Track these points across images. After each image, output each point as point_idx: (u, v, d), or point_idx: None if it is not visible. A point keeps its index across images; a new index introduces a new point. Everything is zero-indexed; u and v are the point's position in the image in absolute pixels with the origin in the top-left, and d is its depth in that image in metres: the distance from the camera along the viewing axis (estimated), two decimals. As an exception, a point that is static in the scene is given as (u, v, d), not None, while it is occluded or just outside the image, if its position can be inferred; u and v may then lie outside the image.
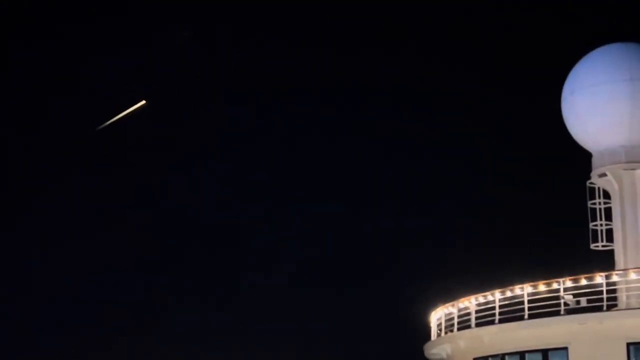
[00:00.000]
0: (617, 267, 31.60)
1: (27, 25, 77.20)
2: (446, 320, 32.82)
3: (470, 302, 30.86)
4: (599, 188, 33.39)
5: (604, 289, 27.41)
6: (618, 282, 28.29)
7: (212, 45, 77.88)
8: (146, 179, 74.64)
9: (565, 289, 28.06)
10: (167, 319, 71.93)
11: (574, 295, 28.17)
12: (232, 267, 75.96)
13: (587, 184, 33.56)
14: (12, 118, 76.47)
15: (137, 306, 71.98)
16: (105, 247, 73.24)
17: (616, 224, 32.49)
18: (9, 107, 76.04)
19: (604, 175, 32.82)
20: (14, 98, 76.18)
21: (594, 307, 27.51)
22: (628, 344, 26.20)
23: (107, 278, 73.32)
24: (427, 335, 34.88)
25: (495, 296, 29.73)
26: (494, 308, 29.69)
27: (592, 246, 32.97)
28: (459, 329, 31.53)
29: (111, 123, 63.63)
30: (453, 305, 32.13)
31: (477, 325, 30.39)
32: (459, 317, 31.65)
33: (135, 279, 73.59)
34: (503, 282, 30.04)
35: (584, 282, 27.98)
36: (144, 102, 63.36)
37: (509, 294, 29.28)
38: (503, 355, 29.55)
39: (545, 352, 28.12)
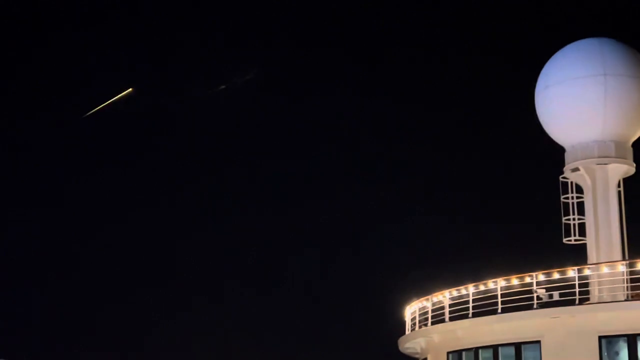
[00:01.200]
0: (589, 261, 31.75)
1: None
2: (420, 315, 32.88)
3: (444, 296, 30.89)
4: (571, 183, 33.52)
5: (576, 282, 27.47)
6: (590, 276, 28.37)
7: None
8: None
9: (538, 283, 28.15)
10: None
11: (547, 289, 28.27)
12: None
13: (560, 178, 33.66)
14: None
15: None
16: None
17: (588, 219, 32.58)
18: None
19: (576, 169, 32.93)
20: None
21: (567, 301, 27.57)
22: (600, 337, 26.26)
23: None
24: (401, 330, 35.03)
25: (469, 290, 29.79)
26: (467, 302, 29.74)
27: (565, 240, 33.10)
28: (433, 323, 31.58)
29: (98, 110, 63.25)
30: (427, 300, 32.18)
31: (451, 319, 30.42)
32: (433, 311, 31.70)
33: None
34: (476, 276, 30.16)
35: (556, 276, 28.05)
36: (130, 89, 63.15)
37: (482, 288, 29.33)
38: (477, 349, 29.62)
39: (518, 346, 28.18)
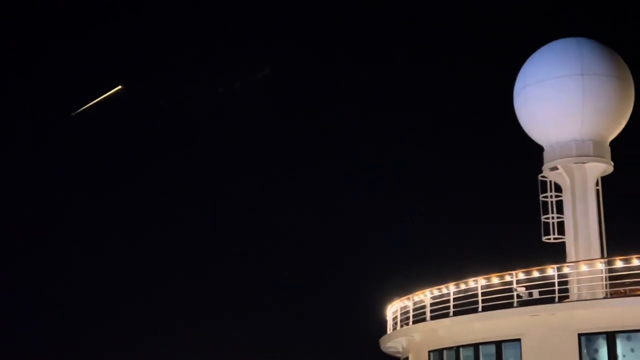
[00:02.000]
0: (568, 259, 31.92)
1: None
2: (402, 314, 32.88)
3: (425, 295, 30.87)
4: (550, 181, 33.62)
5: (556, 280, 27.52)
6: (569, 274, 28.53)
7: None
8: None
9: (518, 282, 28.17)
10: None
11: (527, 288, 28.29)
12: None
13: (539, 177, 33.76)
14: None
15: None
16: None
17: (567, 217, 32.73)
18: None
19: (555, 168, 33.05)
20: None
21: (546, 299, 27.60)
22: (579, 335, 26.31)
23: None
24: (383, 329, 35.03)
25: (450, 289, 29.78)
26: (448, 301, 29.71)
27: (544, 239, 33.18)
28: (414, 322, 31.53)
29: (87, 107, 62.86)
30: (408, 299, 32.15)
31: (432, 318, 30.38)
32: (414, 310, 31.65)
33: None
34: (457, 275, 30.16)
35: (536, 274, 28.12)
36: (120, 87, 62.79)
37: (463, 286, 29.34)
38: (457, 348, 29.61)
39: (499, 344, 28.20)
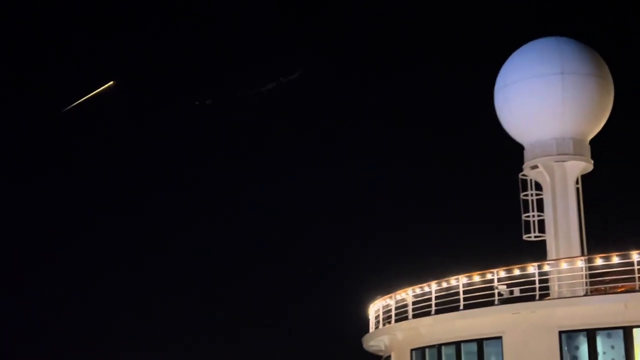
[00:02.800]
0: (548, 257, 31.90)
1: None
2: (384, 313, 32.86)
3: (407, 294, 30.87)
4: (531, 180, 33.69)
5: (537, 278, 27.60)
6: (550, 272, 28.50)
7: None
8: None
9: (499, 280, 28.19)
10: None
11: (508, 286, 28.31)
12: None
13: (519, 176, 33.80)
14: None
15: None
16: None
17: (548, 215, 32.77)
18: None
19: (535, 167, 33.09)
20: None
21: (527, 297, 27.68)
22: (560, 332, 26.38)
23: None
24: (365, 328, 34.95)
25: (431, 287, 29.77)
26: (430, 299, 29.71)
27: (525, 237, 33.25)
28: (396, 321, 31.54)
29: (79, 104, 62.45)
30: (390, 298, 32.15)
31: (414, 316, 30.42)
32: (396, 309, 31.66)
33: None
34: (439, 273, 30.17)
35: (517, 272, 28.15)
36: (112, 82, 62.35)
37: (444, 285, 29.36)
38: (439, 346, 29.59)
39: (480, 342, 28.25)
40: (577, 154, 32.85)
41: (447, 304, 29.09)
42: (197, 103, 69.70)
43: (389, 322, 32.10)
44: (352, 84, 73.01)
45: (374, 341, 33.85)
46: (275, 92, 69.82)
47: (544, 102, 32.65)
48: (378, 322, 33.47)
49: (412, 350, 30.93)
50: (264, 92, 68.22)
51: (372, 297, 34.35)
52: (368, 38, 73.60)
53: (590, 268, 27.38)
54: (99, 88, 63.10)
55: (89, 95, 63.10)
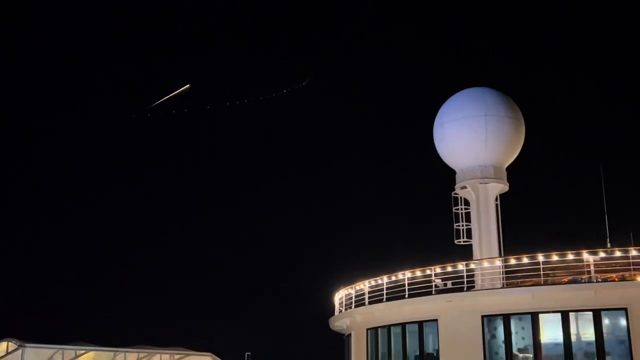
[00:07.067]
0: (474, 257, 32.05)
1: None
2: (346, 300, 32.72)
3: (365, 285, 30.77)
4: (461, 197, 33.84)
5: (465, 274, 27.55)
6: (475, 269, 28.43)
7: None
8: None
9: (436, 275, 28.15)
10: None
11: (442, 279, 28.25)
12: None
13: (452, 194, 33.92)
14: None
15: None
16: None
17: (474, 225, 32.94)
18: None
19: (464, 187, 33.29)
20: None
21: (457, 288, 27.59)
22: (482, 316, 26.23)
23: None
24: (331, 312, 34.84)
25: (383, 280, 29.69)
26: (382, 289, 29.63)
27: (456, 242, 33.37)
28: (355, 306, 31.40)
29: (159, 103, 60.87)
30: (351, 288, 32.04)
31: (370, 303, 30.27)
32: (355, 297, 31.53)
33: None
34: (389, 269, 30.02)
35: (449, 269, 28.04)
36: (187, 86, 61.00)
37: (393, 278, 29.22)
38: (389, 326, 29.49)
39: (420, 323, 28.09)
40: (496, 178, 33.07)
41: (395, 293, 28.96)
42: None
43: (350, 307, 31.91)
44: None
45: (338, 322, 33.66)
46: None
47: (471, 137, 32.82)
48: (341, 307, 33.38)
49: (367, 329, 30.78)
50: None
51: (337, 288, 34.20)
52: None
53: (506, 266, 27.30)
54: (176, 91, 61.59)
55: (167, 97, 61.56)
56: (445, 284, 28.23)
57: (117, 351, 36.14)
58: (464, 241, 33.13)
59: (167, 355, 38.12)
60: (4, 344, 33.19)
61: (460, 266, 27.90)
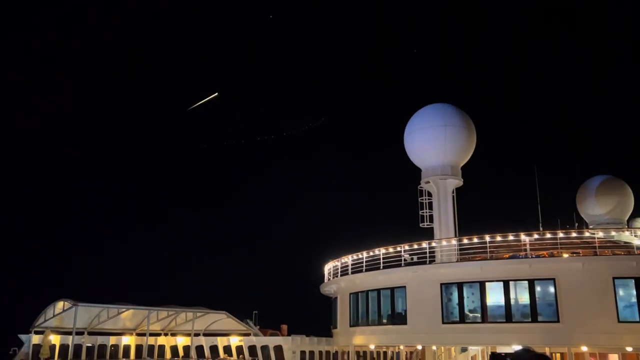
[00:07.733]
0: (435, 237, 32.17)
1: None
2: (333, 270, 32.90)
3: (348, 259, 30.93)
4: (425, 190, 33.86)
5: (427, 251, 27.71)
6: (435, 247, 28.69)
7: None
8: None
9: (405, 251, 28.29)
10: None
11: (410, 255, 28.39)
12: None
13: (418, 187, 33.96)
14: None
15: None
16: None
17: (435, 212, 32.97)
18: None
19: (428, 182, 33.34)
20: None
21: (421, 262, 27.75)
22: (441, 284, 26.38)
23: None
24: (322, 279, 35.03)
25: (363, 255, 29.82)
26: (362, 262, 29.76)
27: (421, 225, 33.38)
28: (341, 275, 31.55)
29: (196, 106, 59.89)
30: (338, 261, 32.20)
31: (352, 272, 30.39)
32: (341, 268, 31.67)
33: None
34: (368, 246, 30.22)
35: (415, 246, 28.24)
36: (216, 94, 60.17)
37: (371, 253, 29.34)
38: (367, 291, 29.59)
39: (392, 289, 28.21)
40: (453, 175, 33.14)
41: (373, 265, 29.05)
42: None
43: (337, 276, 32.07)
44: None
45: (327, 287, 33.79)
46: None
47: (434, 143, 32.85)
48: (330, 275, 33.54)
49: (350, 293, 30.93)
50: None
51: (326, 260, 34.38)
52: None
53: (460, 245, 27.48)
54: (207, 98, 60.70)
55: (200, 102, 60.71)
56: (412, 258, 28.35)
57: (151, 309, 36.22)
58: (427, 225, 33.18)
59: (191, 313, 38.21)
60: (61, 303, 33.23)
61: (424, 244, 28.09)
